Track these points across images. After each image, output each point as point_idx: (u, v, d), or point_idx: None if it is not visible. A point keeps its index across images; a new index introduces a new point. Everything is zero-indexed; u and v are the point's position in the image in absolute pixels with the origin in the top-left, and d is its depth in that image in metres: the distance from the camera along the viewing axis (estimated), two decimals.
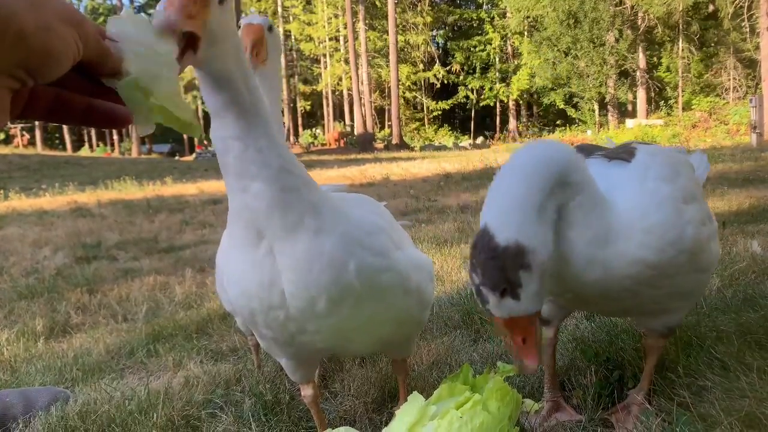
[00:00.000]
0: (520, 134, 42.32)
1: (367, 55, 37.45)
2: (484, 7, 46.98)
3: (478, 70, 45.13)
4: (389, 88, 39.69)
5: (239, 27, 1.61)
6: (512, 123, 44.32)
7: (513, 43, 43.00)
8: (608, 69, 32.05)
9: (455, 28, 49.25)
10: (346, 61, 41.25)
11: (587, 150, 1.41)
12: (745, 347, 1.72)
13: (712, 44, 32.16)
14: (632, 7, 30.80)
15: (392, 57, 34.70)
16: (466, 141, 40.68)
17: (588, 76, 32.39)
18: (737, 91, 30.16)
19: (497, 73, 44.46)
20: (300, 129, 47.55)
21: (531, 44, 36.61)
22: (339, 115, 49.86)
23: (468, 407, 1.25)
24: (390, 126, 41.25)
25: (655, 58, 33.77)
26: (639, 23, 31.55)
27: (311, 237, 1.14)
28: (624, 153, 1.34)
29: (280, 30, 40.62)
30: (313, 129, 45.93)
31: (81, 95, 0.69)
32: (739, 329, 1.87)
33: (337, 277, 1.16)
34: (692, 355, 1.72)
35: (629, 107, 36.02)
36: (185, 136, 50.56)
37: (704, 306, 2.15)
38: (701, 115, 26.02)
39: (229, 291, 1.27)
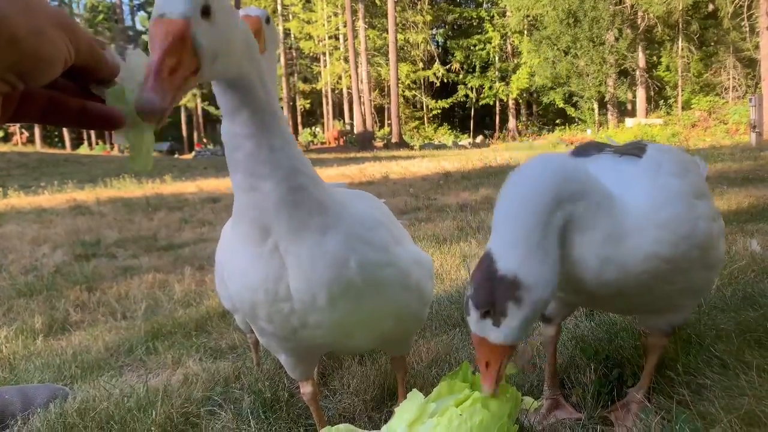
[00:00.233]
0: (519, 133, 42.32)
1: (366, 53, 37.42)
2: (484, 5, 46.97)
3: (477, 68, 45.10)
4: (389, 86, 39.69)
5: None
6: (512, 122, 44.31)
7: (513, 42, 42.99)
8: (608, 68, 32.04)
9: (455, 27, 49.23)
10: (346, 60, 41.22)
11: (595, 147, 1.41)
12: (745, 345, 1.72)
13: (712, 43, 32.15)
14: (632, 6, 30.79)
15: (392, 55, 34.68)
16: (465, 140, 40.70)
17: (587, 75, 32.38)
18: (737, 90, 30.15)
19: (497, 72, 44.44)
20: (299, 127, 47.52)
21: (531, 43, 36.59)
22: (338, 114, 49.85)
23: (467, 405, 1.25)
24: (389, 125, 41.26)
25: (654, 58, 33.76)
26: (639, 22, 31.54)
27: (316, 236, 1.13)
28: (635, 149, 1.34)
29: (280, 28, 40.37)
30: (313, 127, 45.95)
31: (74, 97, 0.70)
32: (738, 328, 1.87)
33: (339, 274, 1.16)
34: (691, 353, 1.72)
35: (629, 106, 36.02)
36: (184, 134, 50.59)
37: (703, 304, 2.15)
38: (701, 114, 26.02)
39: (231, 285, 1.27)
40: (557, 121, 40.21)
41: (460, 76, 45.41)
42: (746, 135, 18.15)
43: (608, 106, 33.99)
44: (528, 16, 35.09)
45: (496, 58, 44.66)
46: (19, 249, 5.95)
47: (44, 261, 5.23)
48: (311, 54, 48.26)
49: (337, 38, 46.06)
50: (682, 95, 31.32)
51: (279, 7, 44.15)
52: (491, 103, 45.35)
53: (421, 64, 45.35)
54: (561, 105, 36.80)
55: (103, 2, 52.05)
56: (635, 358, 1.75)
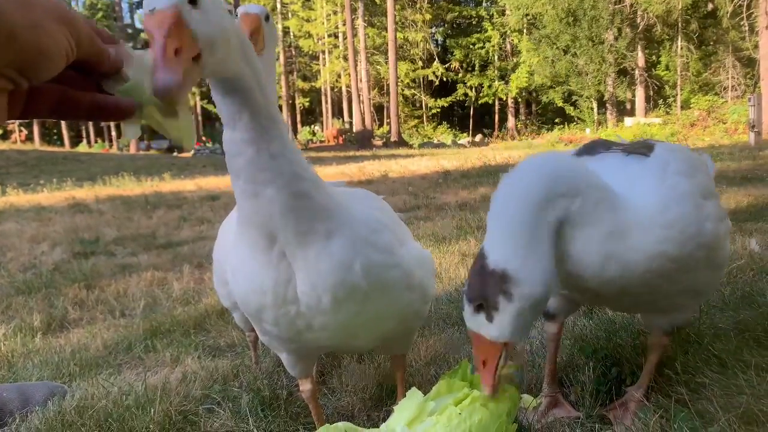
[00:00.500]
0: (518, 132, 42.30)
1: (366, 52, 37.37)
2: (484, 4, 46.93)
3: (477, 67, 45.06)
4: (388, 85, 39.63)
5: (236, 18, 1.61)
6: (511, 121, 44.30)
7: (512, 40, 42.95)
8: (607, 67, 32.03)
9: (454, 26, 49.19)
10: (345, 58, 41.14)
11: (603, 146, 1.41)
12: (743, 344, 1.73)
13: (711, 43, 32.15)
14: (631, 6, 30.76)
15: (391, 54, 34.63)
16: (464, 138, 40.66)
17: (587, 74, 32.36)
18: (736, 89, 30.15)
19: (496, 71, 44.40)
20: (298, 126, 47.49)
21: (530, 42, 36.57)
22: (338, 112, 49.81)
23: (466, 403, 1.25)
24: (389, 123, 41.21)
25: (654, 57, 33.75)
26: (638, 21, 31.52)
27: (322, 240, 1.14)
28: (642, 148, 1.34)
29: (279, 26, 40.27)
30: (312, 126, 45.92)
31: (85, 91, 0.69)
32: (737, 327, 1.88)
33: (344, 277, 1.16)
34: (690, 352, 1.72)
35: (628, 105, 36.01)
36: None
37: (702, 303, 2.15)
38: (700, 113, 25.99)
39: (236, 288, 1.27)
40: (556, 120, 40.17)
41: (460, 75, 45.37)
42: (745, 134, 18.14)
43: (607, 105, 33.98)
44: (527, 14, 35.03)
45: (496, 57, 44.62)
46: (18, 247, 5.94)
47: (43, 259, 5.23)
48: (310, 52, 48.20)
49: (336, 36, 46.01)
50: (681, 94, 31.32)
51: (278, 5, 44.09)
52: (490, 101, 45.31)
53: (420, 63, 45.29)
54: (560, 104, 36.79)
55: (101, 0, 51.95)
56: (634, 356, 1.75)
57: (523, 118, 46.36)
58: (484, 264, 1.13)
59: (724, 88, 30.66)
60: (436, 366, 1.97)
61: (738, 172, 7.21)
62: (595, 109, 34.62)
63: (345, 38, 39.99)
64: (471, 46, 44.67)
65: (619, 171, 1.26)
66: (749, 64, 28.67)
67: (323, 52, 46.97)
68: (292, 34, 45.90)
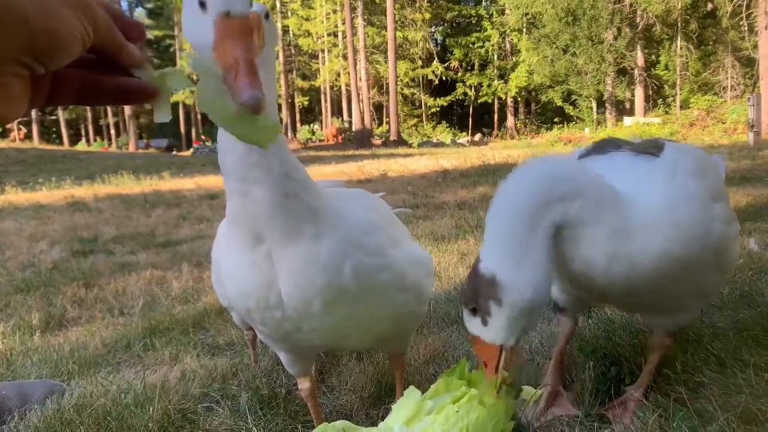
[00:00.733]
0: (518, 131, 42.30)
1: (365, 51, 37.34)
2: (483, 3, 46.93)
3: (476, 66, 45.07)
4: (387, 84, 39.60)
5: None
6: (510, 120, 44.31)
7: (511, 40, 42.96)
8: (606, 67, 32.04)
9: (454, 25, 49.18)
10: (345, 57, 41.12)
11: (613, 144, 1.41)
12: (742, 344, 1.73)
13: (711, 43, 32.17)
14: (631, 5, 30.78)
15: (390, 53, 34.62)
16: (464, 138, 40.64)
17: (586, 74, 32.37)
18: (735, 89, 30.17)
19: (495, 70, 44.41)
20: (298, 124, 47.42)
21: (529, 41, 36.57)
22: (337, 111, 49.78)
23: (464, 402, 1.25)
24: (388, 122, 41.21)
25: (653, 56, 33.75)
26: (638, 21, 31.53)
27: (309, 243, 1.13)
28: (652, 147, 1.34)
29: (279, 25, 40.24)
30: (311, 125, 45.78)
31: (108, 76, 0.68)
32: (735, 326, 1.88)
33: (332, 280, 1.16)
34: (689, 351, 1.72)
35: (627, 105, 36.02)
36: (183, 131, 50.49)
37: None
38: (699, 113, 25.99)
39: (227, 289, 1.27)
40: (555, 120, 40.18)
41: (459, 74, 45.37)
42: (744, 134, 18.14)
43: (607, 104, 34.00)
44: (527, 14, 35.02)
45: (495, 56, 44.62)
46: (17, 245, 5.93)
47: (42, 257, 5.22)
48: (310, 51, 48.16)
49: (335, 35, 45.99)
50: (680, 94, 31.33)
51: (278, 4, 44.07)
52: (490, 101, 45.31)
53: (419, 62, 45.28)
54: (559, 103, 36.79)
55: None
56: (633, 356, 1.75)
57: (523, 117, 46.37)
58: (478, 268, 1.14)
59: (724, 88, 30.68)
60: (435, 364, 1.97)
61: (737, 172, 7.21)
62: (595, 109, 34.63)
63: (344, 37, 39.99)
64: (470, 46, 44.66)
65: (628, 170, 1.26)
66: (748, 64, 28.69)
67: (323, 50, 46.94)
68: (291, 32, 45.87)
